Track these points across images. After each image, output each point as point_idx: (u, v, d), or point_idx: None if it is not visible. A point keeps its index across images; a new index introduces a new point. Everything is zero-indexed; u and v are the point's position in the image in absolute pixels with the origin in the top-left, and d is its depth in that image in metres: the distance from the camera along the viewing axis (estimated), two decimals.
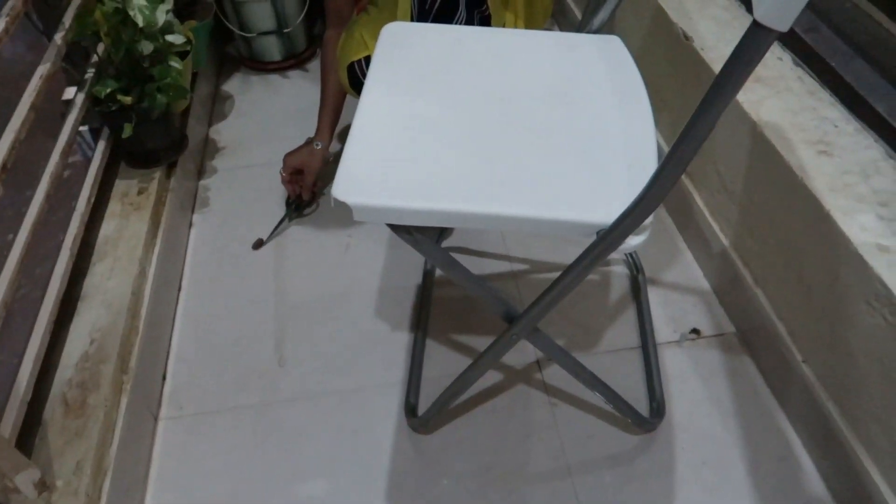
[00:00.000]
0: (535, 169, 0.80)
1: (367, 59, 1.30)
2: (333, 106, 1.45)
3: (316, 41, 2.00)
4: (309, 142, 1.46)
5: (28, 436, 0.97)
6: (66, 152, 1.15)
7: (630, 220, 0.70)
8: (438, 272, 1.36)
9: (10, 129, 0.98)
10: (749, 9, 1.27)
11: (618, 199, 0.75)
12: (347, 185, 0.76)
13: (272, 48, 1.90)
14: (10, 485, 0.85)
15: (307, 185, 1.46)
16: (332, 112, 1.45)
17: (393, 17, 1.22)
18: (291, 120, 1.74)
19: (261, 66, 1.93)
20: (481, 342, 1.24)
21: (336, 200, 0.75)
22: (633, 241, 0.75)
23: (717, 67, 1.17)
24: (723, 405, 1.13)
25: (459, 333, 1.25)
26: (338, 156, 1.63)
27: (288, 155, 1.46)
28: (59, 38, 1.15)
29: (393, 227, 0.78)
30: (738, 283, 1.20)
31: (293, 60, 1.94)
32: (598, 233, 0.74)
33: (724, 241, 1.24)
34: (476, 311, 1.29)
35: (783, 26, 0.53)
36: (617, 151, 0.83)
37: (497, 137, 0.85)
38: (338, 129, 1.50)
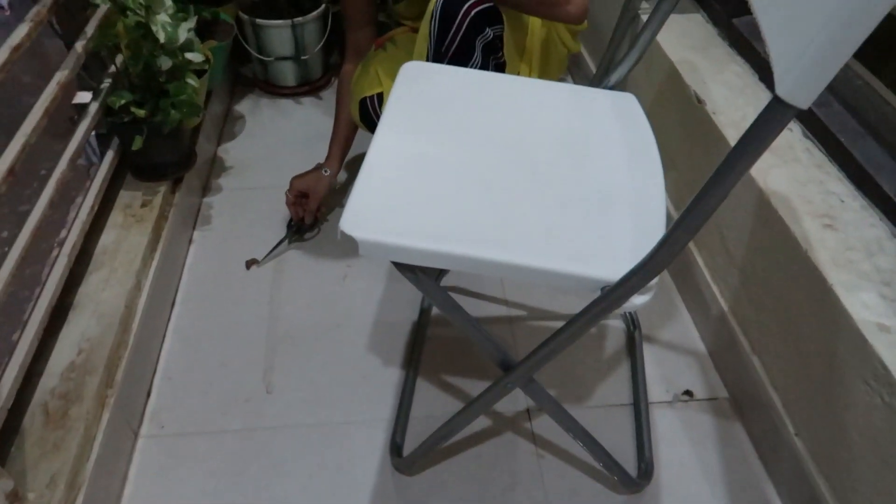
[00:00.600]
0: (543, 219, 0.80)
1: (380, 96, 1.31)
2: (345, 137, 1.47)
3: (332, 69, 2.02)
4: (318, 167, 1.47)
5: (4, 444, 0.95)
6: (74, 161, 1.14)
7: (636, 279, 0.70)
8: (435, 310, 1.35)
9: (22, 133, 0.98)
10: (763, 78, 1.30)
11: (624, 257, 0.75)
12: (356, 220, 0.76)
13: (288, 73, 1.91)
14: None
15: (311, 210, 1.46)
16: (343, 142, 1.47)
17: (409, 56, 1.23)
18: (300, 146, 1.75)
19: (275, 89, 1.95)
20: (473, 385, 1.22)
21: (343, 234, 0.75)
22: (637, 301, 0.74)
23: (727, 132, 1.18)
24: (711, 471, 1.11)
25: (451, 374, 1.24)
26: (344, 184, 1.64)
27: (295, 178, 1.46)
28: (79, 46, 1.16)
29: (397, 264, 0.78)
30: (734, 349, 1.19)
31: (307, 87, 1.95)
32: (602, 289, 0.74)
33: (723, 304, 1.24)
34: (470, 353, 1.27)
35: (804, 104, 0.54)
36: (626, 208, 0.83)
37: (508, 185, 0.85)
38: (347, 159, 1.52)
